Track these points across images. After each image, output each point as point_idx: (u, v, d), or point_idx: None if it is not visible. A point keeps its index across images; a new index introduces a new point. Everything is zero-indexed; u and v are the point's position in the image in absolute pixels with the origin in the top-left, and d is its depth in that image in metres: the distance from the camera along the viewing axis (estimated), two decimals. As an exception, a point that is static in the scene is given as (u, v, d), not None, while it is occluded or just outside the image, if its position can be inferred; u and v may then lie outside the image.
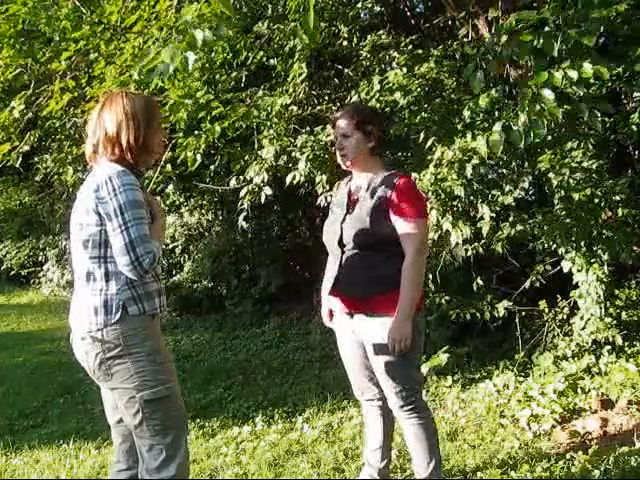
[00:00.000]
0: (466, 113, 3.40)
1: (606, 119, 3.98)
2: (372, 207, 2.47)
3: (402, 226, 2.43)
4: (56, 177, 4.82)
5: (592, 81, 3.73)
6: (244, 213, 4.62)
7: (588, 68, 2.64)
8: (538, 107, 2.68)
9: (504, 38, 2.91)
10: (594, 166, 3.73)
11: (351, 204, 2.58)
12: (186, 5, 3.20)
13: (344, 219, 2.55)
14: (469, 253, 4.05)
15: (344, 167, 2.64)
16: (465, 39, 4.45)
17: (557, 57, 2.73)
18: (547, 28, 2.74)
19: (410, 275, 2.41)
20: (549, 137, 3.80)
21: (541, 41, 2.72)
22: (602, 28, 2.77)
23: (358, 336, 2.57)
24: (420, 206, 2.51)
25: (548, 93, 2.68)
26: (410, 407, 2.51)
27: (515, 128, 2.74)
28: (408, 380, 2.50)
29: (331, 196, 2.81)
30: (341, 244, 2.54)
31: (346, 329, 2.63)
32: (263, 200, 4.44)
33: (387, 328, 2.40)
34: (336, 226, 2.58)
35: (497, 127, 2.80)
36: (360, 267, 2.49)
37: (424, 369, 4.13)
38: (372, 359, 2.52)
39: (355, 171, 2.63)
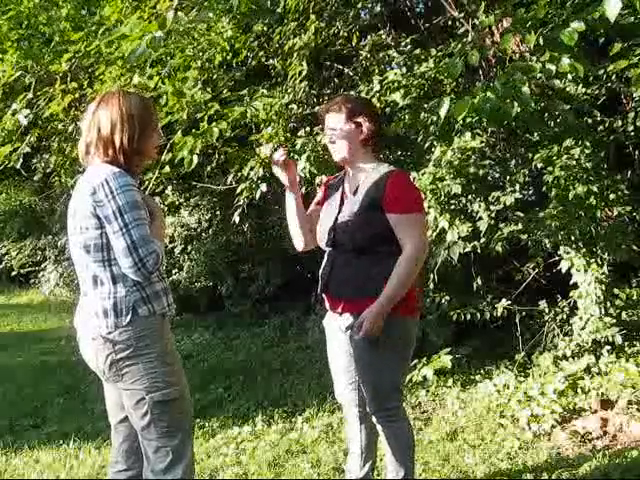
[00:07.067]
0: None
1: (605, 119, 3.99)
2: (364, 206, 2.37)
3: (399, 222, 2.32)
4: (57, 178, 4.83)
5: (591, 80, 3.75)
6: (239, 209, 4.62)
7: (565, 63, 2.64)
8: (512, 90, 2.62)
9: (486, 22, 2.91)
10: (591, 164, 3.73)
11: (343, 203, 2.49)
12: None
13: (336, 218, 2.46)
14: (467, 249, 4.04)
15: (336, 161, 2.53)
16: (465, 39, 4.45)
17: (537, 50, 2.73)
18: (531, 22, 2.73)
19: (403, 267, 2.29)
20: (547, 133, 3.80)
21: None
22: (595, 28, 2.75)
23: (345, 336, 2.48)
24: (416, 200, 2.42)
25: (520, 77, 2.62)
26: (385, 413, 2.42)
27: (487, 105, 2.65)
28: (387, 385, 2.41)
29: (326, 188, 2.70)
30: (333, 244, 2.46)
31: (335, 328, 2.55)
32: (258, 196, 4.44)
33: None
34: (328, 225, 2.49)
35: (445, 101, 2.71)
36: (351, 268, 2.40)
37: (425, 371, 4.12)
38: (356, 359, 2.44)
39: (348, 166, 2.52)
